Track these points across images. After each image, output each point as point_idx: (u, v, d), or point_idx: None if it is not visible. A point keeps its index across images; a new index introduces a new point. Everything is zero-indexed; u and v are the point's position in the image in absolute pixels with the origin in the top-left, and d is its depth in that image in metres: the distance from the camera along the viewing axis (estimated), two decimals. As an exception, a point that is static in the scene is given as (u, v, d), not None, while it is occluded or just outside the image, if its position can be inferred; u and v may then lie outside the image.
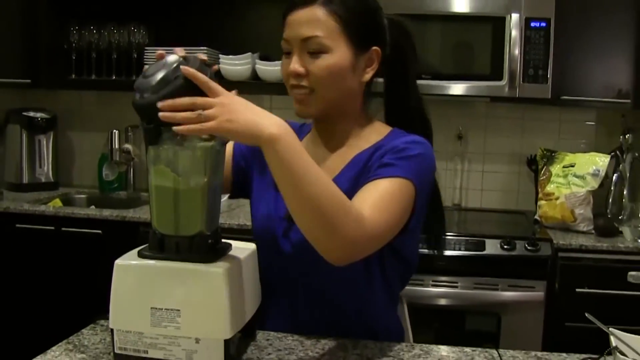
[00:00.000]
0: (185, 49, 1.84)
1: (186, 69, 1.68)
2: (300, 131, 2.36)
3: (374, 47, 2.15)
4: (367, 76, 2.16)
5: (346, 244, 1.81)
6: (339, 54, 2.06)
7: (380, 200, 1.94)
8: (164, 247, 1.83)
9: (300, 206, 1.78)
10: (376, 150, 2.14)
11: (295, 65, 2.04)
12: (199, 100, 1.66)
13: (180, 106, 1.63)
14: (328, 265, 1.95)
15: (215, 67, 1.89)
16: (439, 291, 4.04)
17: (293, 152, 1.71)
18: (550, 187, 4.49)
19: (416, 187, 2.03)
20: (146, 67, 1.80)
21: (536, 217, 4.56)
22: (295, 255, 2.15)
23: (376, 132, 2.25)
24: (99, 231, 4.45)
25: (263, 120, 1.68)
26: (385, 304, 2.30)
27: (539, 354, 2.09)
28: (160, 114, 1.63)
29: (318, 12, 2.02)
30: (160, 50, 1.80)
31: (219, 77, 4.77)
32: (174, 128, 1.63)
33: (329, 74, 2.05)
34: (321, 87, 2.07)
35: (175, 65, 1.73)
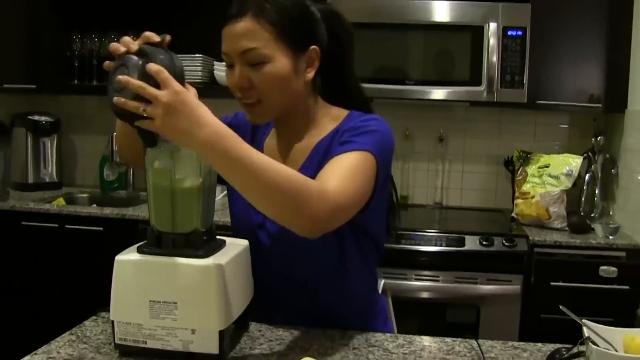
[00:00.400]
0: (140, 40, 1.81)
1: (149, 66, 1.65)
2: (267, 125, 2.31)
3: (312, 47, 2.10)
4: (310, 75, 2.11)
5: (314, 218, 1.79)
6: (279, 62, 2.01)
7: (343, 171, 1.93)
8: (161, 244, 1.82)
9: (258, 197, 1.78)
10: (336, 134, 2.14)
11: (239, 79, 2.00)
12: (147, 89, 1.61)
13: (132, 87, 1.61)
14: (307, 254, 2.03)
15: (168, 37, 1.82)
16: (421, 285, 4.05)
17: (231, 154, 1.68)
18: (526, 187, 4.50)
19: (377, 160, 2.02)
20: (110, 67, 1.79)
21: (513, 214, 4.57)
22: (273, 246, 2.14)
23: (333, 118, 2.22)
24: (100, 228, 4.45)
25: (194, 130, 1.63)
26: (367, 284, 2.32)
27: (516, 344, 2.09)
28: (115, 98, 1.63)
29: (251, 23, 1.97)
30: (115, 44, 1.80)
31: (212, 82, 4.76)
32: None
33: (272, 83, 2.01)
34: (267, 97, 2.03)
35: (134, 64, 1.70)
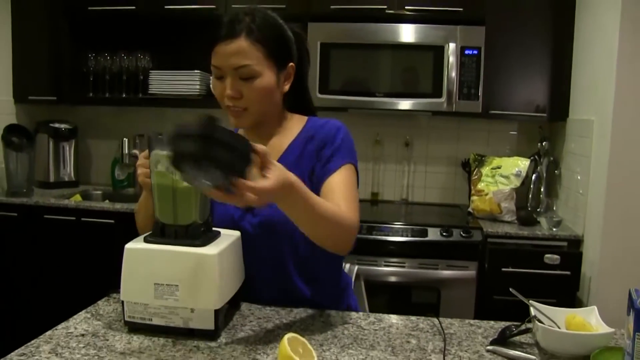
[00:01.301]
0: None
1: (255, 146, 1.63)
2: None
3: (290, 63, 2.17)
4: (286, 88, 2.17)
5: (348, 243, 2.01)
6: (267, 77, 2.06)
7: (344, 192, 2.07)
8: (164, 234, 1.84)
9: (313, 229, 1.91)
10: (309, 140, 2.22)
11: (231, 91, 2.03)
12: (260, 188, 1.59)
13: (246, 190, 1.58)
14: (285, 243, 2.12)
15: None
16: (389, 270, 4.05)
17: (302, 202, 1.78)
18: (480, 185, 4.51)
19: (355, 166, 2.20)
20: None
21: (469, 209, 4.58)
22: (256, 236, 2.15)
23: (297, 122, 2.30)
24: (112, 221, 4.45)
25: (286, 197, 1.73)
26: (336, 266, 2.34)
27: (472, 321, 2.10)
28: (211, 191, 1.59)
29: (243, 43, 2.02)
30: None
31: (209, 94, 4.77)
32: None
33: (260, 95, 2.07)
34: (254, 106, 2.08)
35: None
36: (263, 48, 2.04)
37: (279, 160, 2.09)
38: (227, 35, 2.03)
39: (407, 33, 4.37)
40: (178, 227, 1.85)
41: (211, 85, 2.18)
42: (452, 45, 4.32)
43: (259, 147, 1.63)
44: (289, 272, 2.19)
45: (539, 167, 4.63)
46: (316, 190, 2.09)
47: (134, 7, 4.78)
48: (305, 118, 2.33)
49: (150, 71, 5.02)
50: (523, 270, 3.91)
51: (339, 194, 2.08)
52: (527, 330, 1.89)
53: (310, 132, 2.25)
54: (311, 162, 2.18)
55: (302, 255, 2.18)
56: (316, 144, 2.20)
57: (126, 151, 5.26)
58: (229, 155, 1.53)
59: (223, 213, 2.19)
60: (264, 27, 2.07)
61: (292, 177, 1.72)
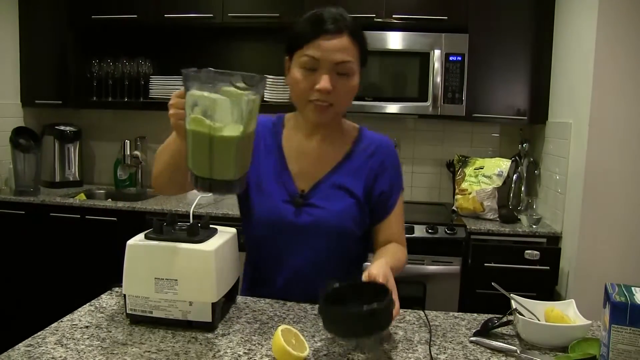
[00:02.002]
0: None
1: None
2: (277, 124, 2.27)
3: (363, 67, 2.11)
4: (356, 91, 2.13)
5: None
6: (356, 77, 2.03)
7: (399, 225, 2.24)
8: (163, 231, 1.84)
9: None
10: (369, 156, 2.20)
11: (328, 84, 1.94)
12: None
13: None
14: (331, 243, 2.12)
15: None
16: (379, 265, 4.03)
17: (393, 268, 1.90)
18: (464, 185, 4.51)
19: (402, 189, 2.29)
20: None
21: (453, 207, 4.58)
22: (300, 234, 2.11)
23: (349, 128, 2.26)
24: (115, 219, 4.45)
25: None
26: (359, 266, 2.33)
27: (456, 314, 2.10)
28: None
29: (348, 41, 1.96)
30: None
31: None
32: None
33: (350, 93, 2.04)
34: (340, 103, 2.03)
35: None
36: (359, 49, 2.02)
37: (341, 165, 2.16)
38: (333, 30, 1.96)
39: (395, 40, 4.37)
40: (212, 181, 1.66)
41: (292, 78, 2.05)
42: (437, 52, 4.32)
43: (376, 279, 1.75)
44: (327, 270, 2.10)
45: (519, 168, 4.64)
46: (367, 202, 2.17)
47: (135, 16, 4.78)
48: (355, 125, 2.29)
49: (151, 76, 5.03)
50: (504, 266, 3.91)
51: (396, 229, 2.22)
52: (509, 323, 1.90)
53: (369, 145, 2.23)
54: (369, 180, 2.18)
55: (343, 256, 2.18)
56: (377, 163, 2.20)
57: (128, 152, 5.28)
58: (387, 316, 1.63)
59: (273, 208, 2.14)
60: (359, 29, 2.04)
61: (386, 268, 1.82)
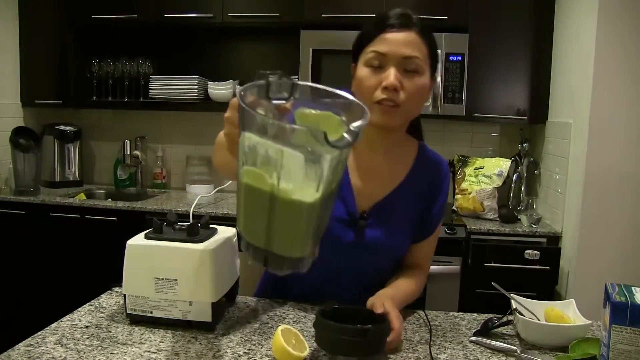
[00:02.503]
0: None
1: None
2: None
3: (435, 75, 1.98)
4: (428, 99, 2.02)
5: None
6: (425, 77, 1.88)
7: (429, 253, 2.24)
8: (163, 231, 1.84)
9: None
10: (422, 178, 2.12)
11: (394, 79, 1.80)
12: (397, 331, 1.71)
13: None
14: (382, 259, 2.10)
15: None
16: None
17: (401, 302, 1.94)
18: (464, 185, 4.51)
19: None
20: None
21: (454, 207, 4.57)
22: (354, 255, 2.03)
23: (411, 145, 2.15)
24: (114, 218, 4.45)
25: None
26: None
27: (456, 314, 2.10)
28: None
29: (416, 36, 1.84)
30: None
31: (206, 98, 4.76)
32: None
33: (418, 93, 1.87)
34: (408, 104, 1.85)
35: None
36: (428, 48, 1.89)
37: (403, 185, 2.08)
38: (401, 25, 1.84)
39: (395, 40, 4.36)
40: (270, 254, 1.25)
41: (357, 80, 1.92)
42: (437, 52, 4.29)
43: (373, 307, 1.75)
44: (367, 284, 2.04)
45: (519, 167, 4.64)
46: (409, 222, 2.11)
47: (135, 16, 4.79)
48: (415, 142, 2.17)
49: (151, 76, 5.03)
50: (504, 265, 3.91)
51: (427, 253, 2.21)
52: (509, 322, 1.90)
53: (429, 166, 2.14)
54: (425, 204, 2.12)
55: (380, 272, 2.12)
56: (434, 187, 2.14)
57: (127, 152, 5.29)
58: (379, 340, 1.63)
59: (330, 226, 2.03)
60: (429, 31, 1.92)
61: (391, 299, 1.84)
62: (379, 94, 1.83)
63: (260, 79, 1.30)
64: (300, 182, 1.16)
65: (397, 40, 1.83)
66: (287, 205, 1.17)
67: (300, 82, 1.33)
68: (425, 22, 1.90)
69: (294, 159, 1.13)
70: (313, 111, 1.33)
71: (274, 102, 1.30)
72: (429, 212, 2.13)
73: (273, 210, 1.18)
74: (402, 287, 2.03)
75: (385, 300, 1.77)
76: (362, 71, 1.88)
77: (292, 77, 1.33)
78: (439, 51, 1.89)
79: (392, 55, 1.83)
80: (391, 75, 1.81)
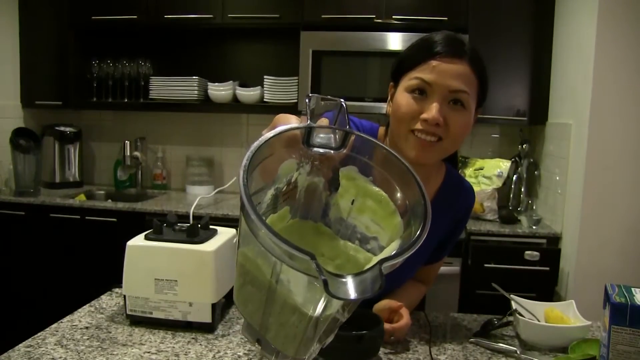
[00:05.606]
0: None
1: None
2: (371, 132, 2.02)
3: (479, 108, 1.79)
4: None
5: None
6: (470, 112, 1.70)
7: (436, 271, 2.27)
8: (163, 232, 1.84)
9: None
10: (449, 206, 1.99)
11: (438, 114, 1.62)
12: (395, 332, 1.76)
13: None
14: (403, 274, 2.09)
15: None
16: (379, 266, 4.03)
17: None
18: (464, 185, 4.51)
19: None
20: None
21: (454, 208, 4.57)
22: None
23: (439, 169, 1.99)
24: (114, 219, 4.44)
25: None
26: None
27: (456, 315, 2.12)
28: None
29: (468, 68, 1.66)
30: None
31: (207, 99, 4.76)
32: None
33: (461, 129, 1.69)
34: (450, 140, 1.68)
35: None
36: (479, 82, 1.71)
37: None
38: (452, 53, 1.66)
39: (395, 41, 4.37)
40: (264, 342, 1.11)
41: (394, 104, 1.77)
42: (437, 53, 4.29)
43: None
44: (373, 301, 1.97)
45: (519, 168, 4.64)
46: (427, 250, 2.07)
47: (135, 17, 4.79)
48: (443, 166, 2.01)
49: (151, 77, 5.02)
50: (504, 266, 3.91)
51: (434, 272, 2.25)
52: (509, 323, 1.90)
53: (450, 193, 1.99)
54: (442, 234, 2.04)
55: (400, 283, 2.12)
56: (458, 213, 2.04)
57: (127, 153, 5.28)
58: (374, 345, 1.67)
59: None
60: (481, 59, 1.73)
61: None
62: (417, 124, 1.67)
63: (305, 115, 1.10)
64: (300, 293, 1.01)
65: (447, 71, 1.65)
66: (285, 302, 1.03)
67: (358, 134, 1.15)
68: (477, 51, 1.73)
69: (298, 276, 0.91)
70: (367, 182, 1.15)
71: (316, 150, 1.12)
72: (448, 239, 2.09)
73: (270, 303, 1.05)
74: (412, 294, 2.14)
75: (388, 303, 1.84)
76: (402, 97, 1.72)
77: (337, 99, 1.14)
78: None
79: (439, 86, 1.65)
80: (433, 109, 1.63)
